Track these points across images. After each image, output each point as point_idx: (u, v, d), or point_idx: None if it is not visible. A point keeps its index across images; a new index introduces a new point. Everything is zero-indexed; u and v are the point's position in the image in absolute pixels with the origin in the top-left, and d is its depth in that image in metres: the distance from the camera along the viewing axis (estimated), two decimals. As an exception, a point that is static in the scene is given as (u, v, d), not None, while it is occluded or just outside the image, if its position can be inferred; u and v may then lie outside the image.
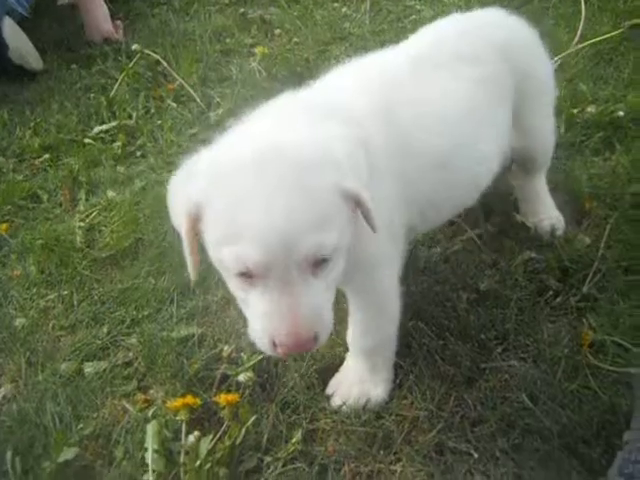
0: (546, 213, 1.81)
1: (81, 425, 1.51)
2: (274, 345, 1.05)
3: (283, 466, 1.35)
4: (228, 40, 3.41)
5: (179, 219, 1.13)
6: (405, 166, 1.31)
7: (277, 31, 3.39)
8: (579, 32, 2.52)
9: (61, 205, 2.34)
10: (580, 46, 2.49)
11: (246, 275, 1.04)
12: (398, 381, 1.47)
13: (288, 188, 1.01)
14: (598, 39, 2.49)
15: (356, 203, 1.09)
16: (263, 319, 1.05)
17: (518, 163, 1.75)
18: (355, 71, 1.43)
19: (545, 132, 1.70)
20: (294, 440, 1.38)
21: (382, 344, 1.44)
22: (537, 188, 1.82)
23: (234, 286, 1.11)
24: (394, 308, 1.40)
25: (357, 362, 1.47)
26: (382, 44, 2.80)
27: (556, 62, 2.42)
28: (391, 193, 1.29)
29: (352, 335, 1.46)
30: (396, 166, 1.30)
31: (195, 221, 1.08)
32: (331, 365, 1.54)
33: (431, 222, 1.55)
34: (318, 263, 1.04)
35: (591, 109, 2.17)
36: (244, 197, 1.01)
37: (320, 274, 1.05)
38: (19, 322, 1.84)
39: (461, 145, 1.43)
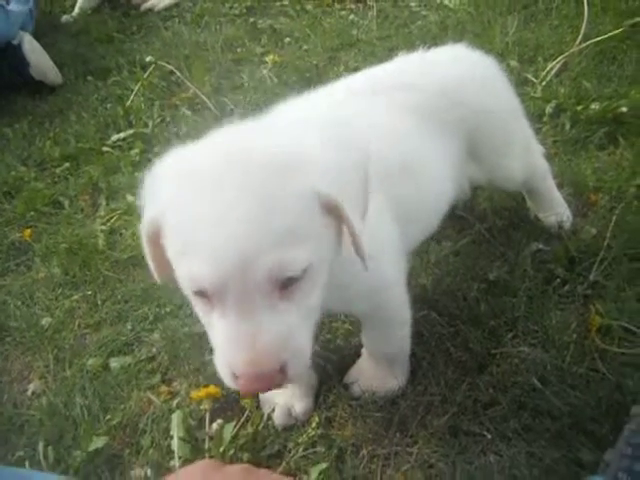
0: (553, 209, 1.85)
1: (109, 416, 1.58)
2: (235, 377, 0.93)
3: (304, 450, 1.41)
4: (239, 49, 3.50)
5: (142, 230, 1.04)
6: (381, 185, 1.23)
7: (287, 39, 3.48)
8: (582, 31, 2.57)
9: (82, 211, 2.42)
10: (583, 45, 2.54)
11: (203, 295, 0.93)
12: (412, 368, 1.51)
13: (248, 196, 0.88)
14: (601, 38, 2.54)
15: (336, 214, 0.97)
16: (222, 347, 0.93)
17: None
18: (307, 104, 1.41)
19: (505, 169, 1.67)
20: (313, 425, 1.44)
21: (398, 349, 1.47)
22: (541, 190, 1.84)
23: (196, 307, 1.00)
24: (406, 317, 1.41)
25: (375, 361, 1.51)
26: (389, 49, 2.91)
27: (560, 61, 2.49)
28: (383, 211, 1.28)
29: (367, 344, 1.50)
30: (375, 188, 1.19)
31: (156, 236, 0.99)
32: (347, 354, 1.59)
33: (411, 238, 1.47)
34: (287, 284, 0.91)
35: (595, 106, 2.21)
36: (200, 208, 0.90)
37: (291, 297, 0.91)
38: (46, 321, 1.92)
39: (412, 154, 1.42)
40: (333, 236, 1.01)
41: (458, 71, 1.57)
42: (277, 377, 0.91)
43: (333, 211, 0.96)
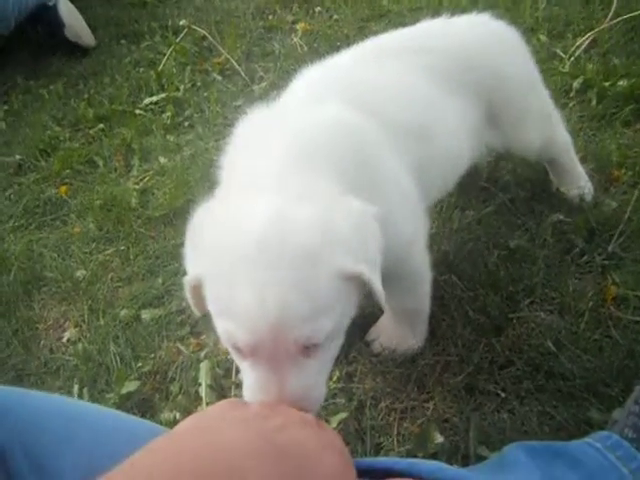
0: (575, 182, 1.87)
1: (140, 364, 1.66)
2: None
3: (325, 401, 1.48)
4: (270, 17, 3.51)
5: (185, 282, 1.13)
6: (398, 144, 1.33)
7: (317, 9, 3.47)
8: (613, 8, 2.57)
9: (116, 170, 2.50)
10: (614, 22, 2.54)
11: (237, 348, 1.04)
12: (431, 328, 1.57)
13: (282, 277, 0.98)
14: (631, 15, 2.53)
15: (360, 281, 1.06)
16: (252, 388, 1.06)
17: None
18: (319, 80, 1.44)
19: (522, 136, 1.70)
20: (334, 379, 1.51)
21: (419, 307, 1.52)
22: (562, 163, 1.87)
23: (229, 349, 1.11)
24: (427, 273, 1.46)
25: (396, 319, 1.56)
26: (419, 21, 2.91)
27: (589, 37, 2.50)
28: (401, 171, 1.34)
29: (389, 300, 1.51)
30: (393, 147, 1.32)
31: (199, 289, 1.09)
32: (369, 313, 1.66)
33: (427, 196, 1.50)
34: (310, 346, 1.03)
35: (623, 82, 2.22)
36: (237, 284, 0.99)
37: (313, 355, 1.04)
38: (80, 274, 2.00)
39: (430, 114, 1.47)
40: (355, 296, 1.10)
41: (479, 35, 1.62)
42: None
43: (358, 279, 1.05)
